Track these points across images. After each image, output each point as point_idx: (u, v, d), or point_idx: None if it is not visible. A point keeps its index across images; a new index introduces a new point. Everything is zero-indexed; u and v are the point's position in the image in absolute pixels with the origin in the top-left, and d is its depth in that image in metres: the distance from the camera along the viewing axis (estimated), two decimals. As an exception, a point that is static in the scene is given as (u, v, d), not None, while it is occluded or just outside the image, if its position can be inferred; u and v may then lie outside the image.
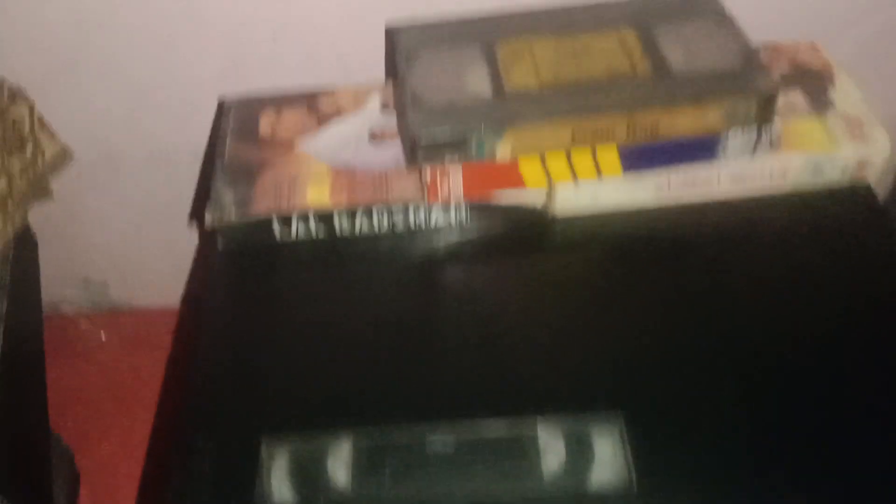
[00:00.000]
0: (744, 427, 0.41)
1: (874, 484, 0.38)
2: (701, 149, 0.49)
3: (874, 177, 0.51)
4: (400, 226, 0.51)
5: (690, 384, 0.43)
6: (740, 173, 0.50)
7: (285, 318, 0.49)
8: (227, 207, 0.50)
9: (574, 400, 0.42)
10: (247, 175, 0.52)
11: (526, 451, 0.40)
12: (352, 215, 0.50)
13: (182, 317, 0.47)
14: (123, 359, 0.86)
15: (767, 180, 0.51)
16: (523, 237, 0.51)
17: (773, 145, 0.50)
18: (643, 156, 0.49)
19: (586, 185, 0.50)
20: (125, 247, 0.84)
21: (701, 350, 0.44)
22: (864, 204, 0.51)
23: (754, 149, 0.49)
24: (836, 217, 0.50)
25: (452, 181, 0.49)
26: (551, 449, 0.40)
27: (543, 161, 0.48)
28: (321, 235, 0.51)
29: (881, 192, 0.57)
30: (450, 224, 0.51)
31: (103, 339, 0.89)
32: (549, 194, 0.51)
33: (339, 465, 0.41)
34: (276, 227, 0.51)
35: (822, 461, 0.39)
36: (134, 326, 0.89)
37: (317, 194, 0.51)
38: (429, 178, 0.49)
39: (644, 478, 0.39)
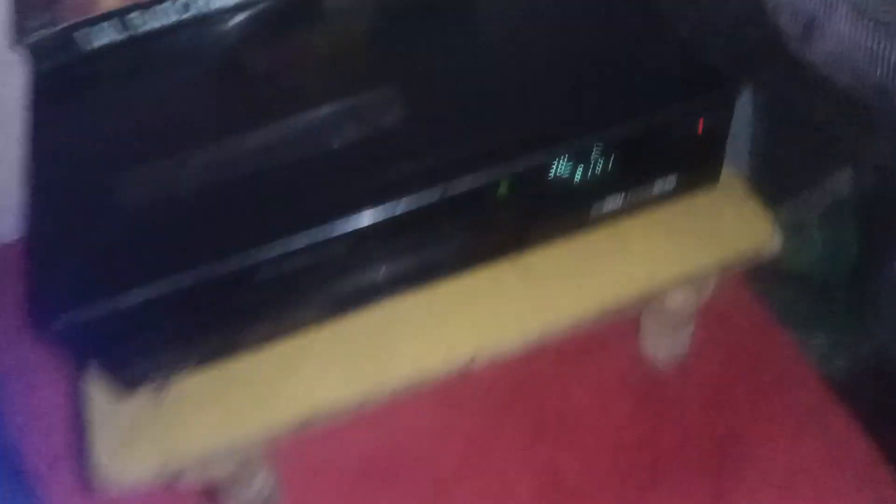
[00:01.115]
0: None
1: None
2: None
3: None
4: (190, 9, 0.60)
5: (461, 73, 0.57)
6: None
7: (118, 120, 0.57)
8: (32, 26, 0.57)
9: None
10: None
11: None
12: (146, 8, 0.58)
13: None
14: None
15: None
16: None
17: None
18: None
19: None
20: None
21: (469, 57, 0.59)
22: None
23: None
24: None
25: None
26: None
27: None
28: (124, 37, 0.59)
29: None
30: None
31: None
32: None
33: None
34: (80, 35, 0.58)
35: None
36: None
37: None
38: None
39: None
